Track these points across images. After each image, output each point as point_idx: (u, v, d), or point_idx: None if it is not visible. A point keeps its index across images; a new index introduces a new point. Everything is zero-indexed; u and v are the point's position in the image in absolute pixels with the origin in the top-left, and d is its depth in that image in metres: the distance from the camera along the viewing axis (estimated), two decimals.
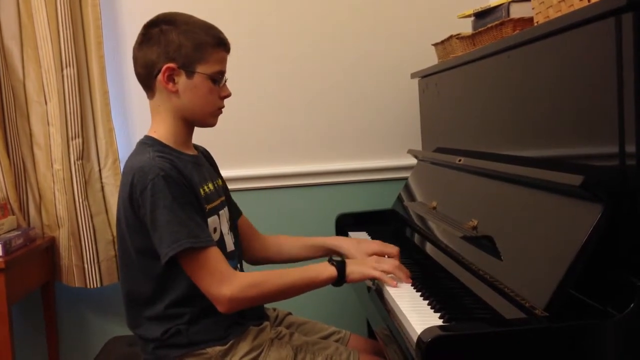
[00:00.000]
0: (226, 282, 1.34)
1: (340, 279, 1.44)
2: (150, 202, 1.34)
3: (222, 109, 1.51)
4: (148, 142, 1.46)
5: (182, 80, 1.43)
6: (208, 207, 1.46)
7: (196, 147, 1.60)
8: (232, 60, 1.53)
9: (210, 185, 1.53)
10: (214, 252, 1.37)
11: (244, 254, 1.67)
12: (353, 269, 1.45)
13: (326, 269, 1.44)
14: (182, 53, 1.41)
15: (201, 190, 1.46)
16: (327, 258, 1.50)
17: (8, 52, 2.23)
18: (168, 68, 1.41)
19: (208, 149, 1.69)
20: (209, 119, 1.50)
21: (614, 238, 1.08)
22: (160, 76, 1.42)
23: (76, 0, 2.21)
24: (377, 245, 1.64)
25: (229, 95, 1.51)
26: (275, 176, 2.44)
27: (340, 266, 1.44)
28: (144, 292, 1.43)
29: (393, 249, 1.61)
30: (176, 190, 1.35)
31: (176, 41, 1.41)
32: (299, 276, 1.44)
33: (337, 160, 2.47)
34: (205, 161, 1.61)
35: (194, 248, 1.33)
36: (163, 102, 1.46)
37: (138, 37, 1.47)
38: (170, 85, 1.43)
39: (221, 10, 2.35)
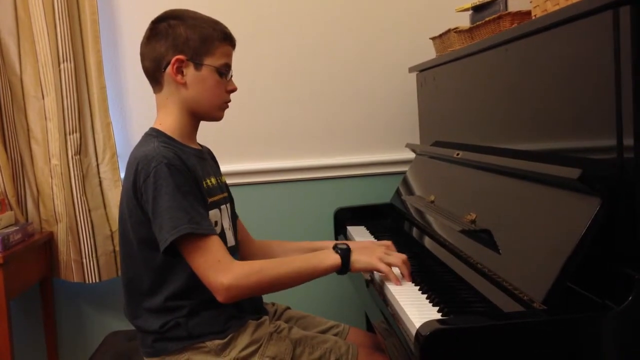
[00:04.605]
0: (225, 270, 1.34)
1: (345, 266, 1.42)
2: (152, 189, 1.34)
3: (229, 103, 1.53)
4: (153, 134, 1.47)
5: (190, 72, 1.45)
6: (210, 200, 1.46)
7: (201, 145, 1.61)
8: None
9: (213, 180, 1.53)
10: (215, 241, 1.36)
11: None
12: (358, 258, 1.44)
13: (329, 257, 1.43)
14: (190, 46, 1.44)
15: (204, 183, 1.46)
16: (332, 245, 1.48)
17: (5, 46, 2.22)
18: (177, 60, 1.43)
19: (206, 144, 1.69)
20: (216, 112, 1.51)
21: (612, 231, 1.08)
22: (169, 68, 1.44)
23: None
24: (371, 243, 1.65)
25: (235, 89, 1.53)
26: (273, 171, 2.44)
27: (345, 253, 1.43)
28: (144, 284, 1.43)
29: (386, 242, 1.60)
30: (179, 178, 1.36)
31: (184, 34, 1.44)
32: (300, 264, 1.43)
33: (335, 154, 2.47)
34: (209, 158, 1.62)
35: (194, 234, 1.33)
36: (171, 95, 1.47)
37: (145, 33, 1.49)
38: (179, 77, 1.44)
39: (220, 4, 2.34)
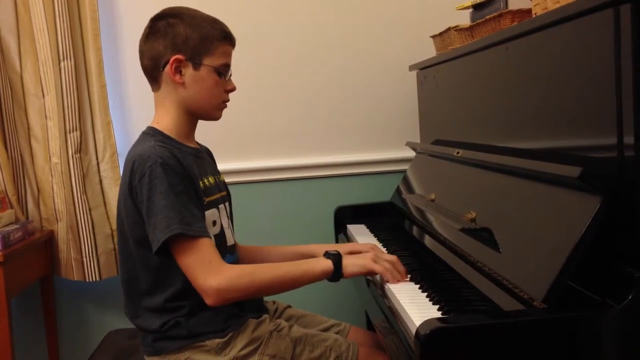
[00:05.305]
0: (214, 273, 1.32)
1: (337, 272, 1.41)
2: (147, 189, 1.34)
3: (227, 103, 1.52)
4: (150, 133, 1.46)
5: (189, 72, 1.44)
6: (207, 199, 1.46)
7: (199, 144, 1.61)
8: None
9: (211, 179, 1.53)
10: (206, 243, 1.35)
11: None
12: (350, 262, 1.43)
13: (320, 262, 1.42)
14: (189, 45, 1.43)
15: (200, 182, 1.46)
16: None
17: (5, 44, 2.22)
18: (176, 59, 1.42)
19: (206, 142, 1.68)
20: (214, 112, 1.51)
21: (612, 229, 1.08)
22: (167, 68, 1.43)
23: None
24: (354, 245, 1.63)
25: (234, 89, 1.52)
26: (273, 169, 2.43)
27: (337, 259, 1.42)
28: (143, 284, 1.43)
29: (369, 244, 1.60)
30: (173, 178, 1.35)
31: (183, 33, 1.43)
32: (291, 269, 1.42)
33: (335, 153, 2.47)
34: (207, 157, 1.62)
35: (185, 235, 1.32)
36: (169, 94, 1.47)
37: (144, 31, 1.48)
38: (177, 77, 1.44)
39: (222, 2, 2.34)
